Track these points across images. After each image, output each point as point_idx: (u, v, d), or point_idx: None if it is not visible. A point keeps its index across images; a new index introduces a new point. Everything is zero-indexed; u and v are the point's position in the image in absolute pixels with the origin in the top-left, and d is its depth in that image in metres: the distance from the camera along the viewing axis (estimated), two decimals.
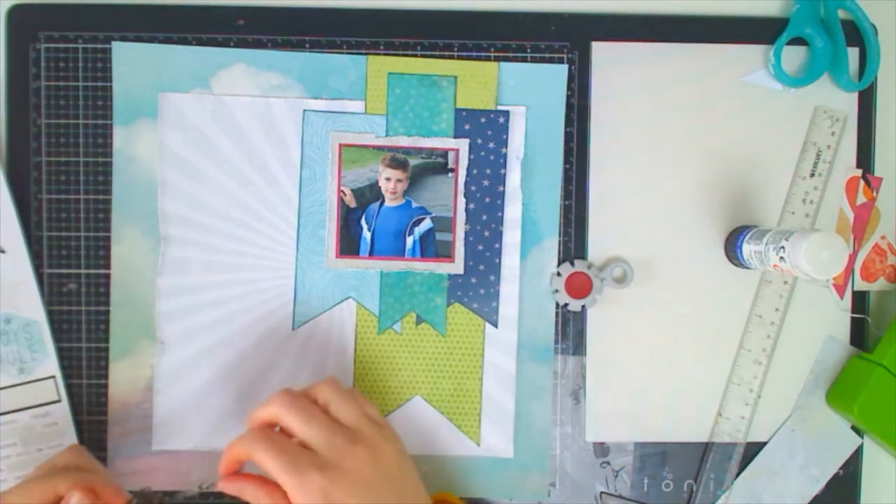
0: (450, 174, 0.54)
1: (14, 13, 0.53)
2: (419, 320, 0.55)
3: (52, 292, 0.54)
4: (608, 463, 0.55)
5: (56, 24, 0.53)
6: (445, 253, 0.55)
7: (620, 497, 0.55)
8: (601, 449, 0.55)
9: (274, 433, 0.46)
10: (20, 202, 0.53)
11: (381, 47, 0.54)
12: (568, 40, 0.55)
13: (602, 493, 0.55)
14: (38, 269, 0.53)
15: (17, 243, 0.53)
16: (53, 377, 0.53)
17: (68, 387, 0.53)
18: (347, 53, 0.54)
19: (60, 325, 0.54)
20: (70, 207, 0.54)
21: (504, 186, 0.55)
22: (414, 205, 0.54)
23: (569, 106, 0.55)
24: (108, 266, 0.54)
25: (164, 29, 0.54)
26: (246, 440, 0.45)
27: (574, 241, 0.55)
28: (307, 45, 0.54)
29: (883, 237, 0.57)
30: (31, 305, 0.53)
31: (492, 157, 0.55)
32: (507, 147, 0.55)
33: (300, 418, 0.45)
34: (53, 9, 0.53)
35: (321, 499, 0.43)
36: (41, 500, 0.44)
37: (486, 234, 0.55)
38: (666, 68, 0.55)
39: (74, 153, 0.54)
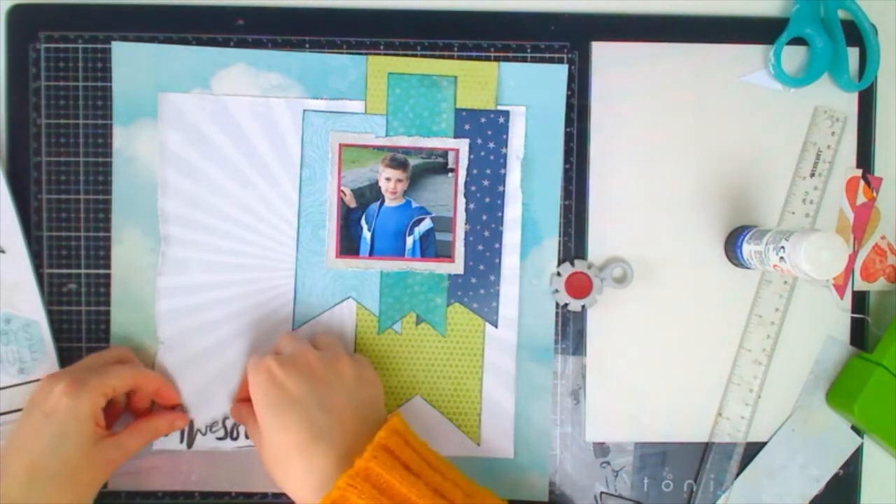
0: (450, 174, 0.54)
1: (14, 13, 0.53)
2: (419, 320, 0.55)
3: (52, 292, 0.54)
4: (608, 463, 0.55)
5: (56, 24, 0.53)
6: (445, 253, 0.55)
7: (620, 497, 0.55)
8: (601, 449, 0.55)
9: None
10: (20, 202, 0.53)
11: (381, 47, 0.54)
12: (568, 40, 0.55)
13: (602, 493, 0.55)
14: (38, 269, 0.53)
15: (17, 243, 0.53)
16: None
17: None
18: (347, 53, 0.54)
19: (60, 325, 0.54)
20: (70, 207, 0.54)
21: (504, 186, 0.55)
22: (414, 205, 0.54)
23: (569, 106, 0.55)
24: (108, 266, 0.54)
25: (164, 29, 0.54)
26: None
27: (574, 241, 0.55)
28: (307, 45, 0.54)
29: (883, 237, 0.57)
30: (31, 305, 0.53)
31: (492, 157, 0.54)
32: (507, 147, 0.54)
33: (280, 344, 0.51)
34: (53, 9, 0.53)
35: (265, 377, 0.47)
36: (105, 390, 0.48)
37: (486, 234, 0.55)
38: (666, 68, 0.55)
39: (74, 153, 0.54)
